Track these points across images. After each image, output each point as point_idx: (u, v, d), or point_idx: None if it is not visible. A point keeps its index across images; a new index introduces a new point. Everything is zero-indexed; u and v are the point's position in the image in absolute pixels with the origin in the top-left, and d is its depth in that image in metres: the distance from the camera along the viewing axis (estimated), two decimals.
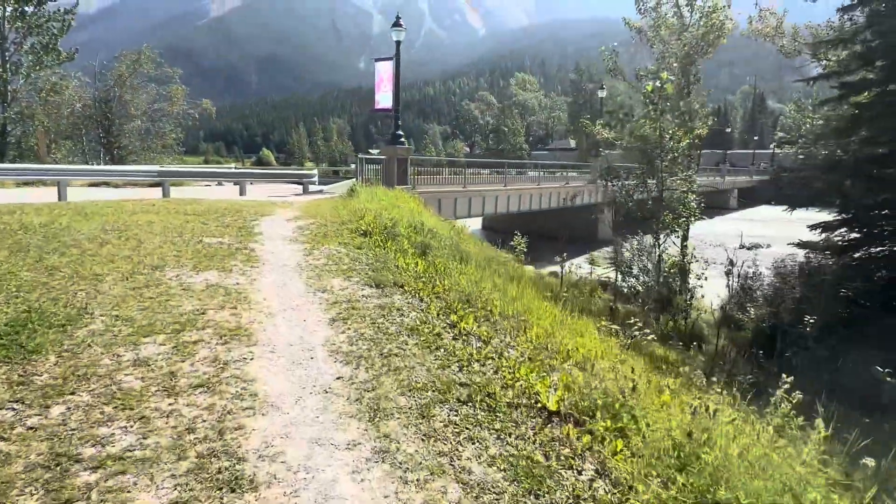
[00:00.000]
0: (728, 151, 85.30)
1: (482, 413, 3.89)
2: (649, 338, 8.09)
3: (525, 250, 19.58)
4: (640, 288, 17.96)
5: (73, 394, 3.62)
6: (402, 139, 20.78)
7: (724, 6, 16.09)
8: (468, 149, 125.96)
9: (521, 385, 4.40)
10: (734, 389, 5.20)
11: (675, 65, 16.33)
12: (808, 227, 13.73)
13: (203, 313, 5.13)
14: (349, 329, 5.13)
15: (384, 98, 21.29)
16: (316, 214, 12.02)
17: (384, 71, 21.28)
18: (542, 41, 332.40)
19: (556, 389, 4.38)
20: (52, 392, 3.61)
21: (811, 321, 8.93)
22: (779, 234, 39.98)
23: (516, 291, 8.80)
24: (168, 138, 36.35)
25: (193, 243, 7.81)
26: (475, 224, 37.55)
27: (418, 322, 5.51)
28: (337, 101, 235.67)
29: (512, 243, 18.62)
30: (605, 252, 35.01)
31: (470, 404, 4.00)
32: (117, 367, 4.00)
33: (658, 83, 12.57)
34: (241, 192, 18.05)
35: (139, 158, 34.57)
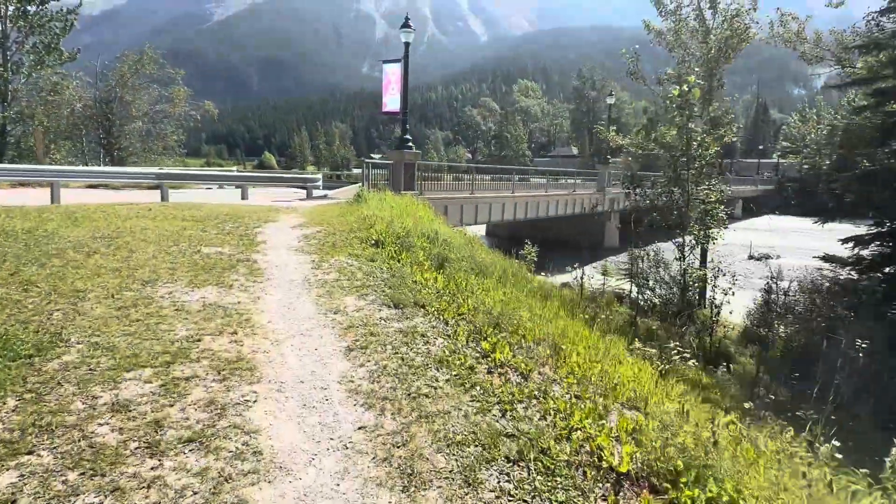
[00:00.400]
0: (732, 161, 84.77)
1: (539, 477, 3.14)
2: (690, 363, 7.35)
3: (535, 260, 18.94)
4: (657, 301, 17.24)
5: (30, 453, 2.87)
6: (410, 143, 20.14)
7: (748, 9, 15.42)
8: (470, 155, 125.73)
9: (578, 436, 3.65)
10: (820, 432, 4.44)
11: (696, 69, 15.63)
12: (840, 240, 13.01)
13: (198, 340, 4.38)
14: (369, 361, 4.38)
15: (392, 101, 20.64)
16: (322, 221, 11.31)
17: (392, 73, 20.63)
18: (543, 49, 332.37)
19: (620, 442, 3.64)
20: (4, 451, 2.86)
21: (863, 345, 8.20)
22: (787, 245, 39.30)
23: (541, 309, 8.08)
24: (169, 140, 35.71)
25: (190, 253, 7.08)
26: (479, 231, 36.88)
27: (447, 351, 4.77)
28: (339, 105, 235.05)
29: (522, 252, 17.96)
30: (616, 261, 34.30)
31: (522, 464, 3.25)
32: (90, 415, 3.25)
33: (685, 87, 11.85)
34: (244, 197, 17.35)
35: (140, 160, 33.96)
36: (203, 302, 5.26)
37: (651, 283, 17.54)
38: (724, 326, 17.61)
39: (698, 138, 11.94)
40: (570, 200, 32.42)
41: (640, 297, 17.87)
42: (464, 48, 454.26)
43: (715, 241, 12.44)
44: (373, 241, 9.11)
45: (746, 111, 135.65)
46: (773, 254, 34.00)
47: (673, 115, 12.38)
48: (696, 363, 7.52)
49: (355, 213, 12.67)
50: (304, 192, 20.00)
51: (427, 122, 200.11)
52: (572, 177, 35.14)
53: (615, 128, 18.88)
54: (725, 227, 12.16)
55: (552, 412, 3.98)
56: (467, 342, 5.10)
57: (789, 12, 18.33)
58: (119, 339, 4.27)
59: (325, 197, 19.26)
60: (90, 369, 3.78)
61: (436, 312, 5.76)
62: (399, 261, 8.04)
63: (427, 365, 4.43)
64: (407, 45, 19.43)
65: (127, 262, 6.35)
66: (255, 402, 3.59)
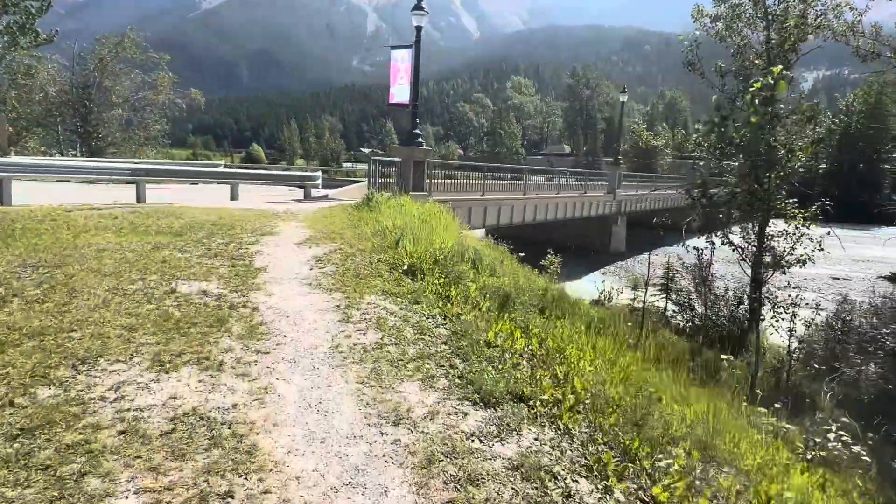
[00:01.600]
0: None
1: None
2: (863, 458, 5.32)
3: (558, 271, 17.02)
4: (700, 322, 15.30)
5: None
6: (420, 139, 18.06)
7: None
8: (462, 151, 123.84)
9: None
10: None
11: (756, 62, 13.64)
12: None
13: None
14: None
15: (400, 91, 18.46)
16: (333, 234, 9.12)
17: (401, 60, 18.39)
18: (535, 46, 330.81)
19: None
20: None
21: None
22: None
23: (638, 367, 6.01)
24: (152, 129, 33.20)
25: (161, 296, 4.87)
26: (478, 233, 34.83)
27: None
28: (329, 99, 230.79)
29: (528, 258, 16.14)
30: (624, 266, 32.42)
31: None
32: None
33: (769, 79, 9.78)
34: (233, 197, 15.06)
35: (119, 150, 31.56)
36: (173, 410, 3.05)
37: (692, 299, 15.65)
38: (768, 350, 15.79)
39: (784, 141, 9.86)
40: (579, 203, 30.66)
41: (682, 317, 15.95)
42: (455, 45, 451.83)
43: (804, 263, 10.42)
44: (405, 268, 6.96)
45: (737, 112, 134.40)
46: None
47: (748, 113, 10.35)
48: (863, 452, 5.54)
49: (370, 222, 10.49)
50: (301, 190, 17.79)
51: (418, 117, 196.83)
52: (583, 178, 33.19)
53: (644, 127, 16.79)
54: (821, 249, 10.12)
55: None
56: (624, 483, 3.00)
57: (847, 1, 16.38)
58: None
59: (325, 198, 17.04)
60: None
61: (546, 412, 3.64)
62: (449, 300, 5.91)
63: None
64: (419, 29, 17.33)
65: (60, 318, 4.12)
66: None
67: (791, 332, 11.06)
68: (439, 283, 6.41)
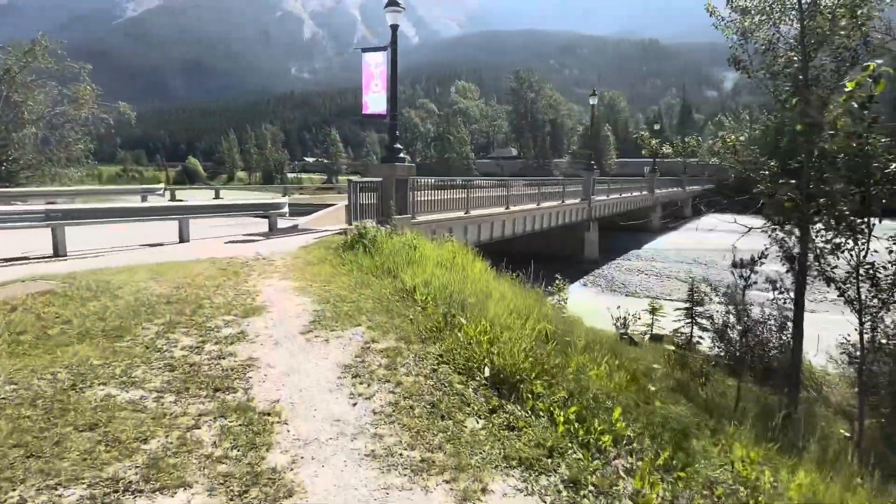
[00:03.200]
0: (664, 160, 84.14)
1: None
2: None
3: (566, 297, 15.00)
4: (737, 351, 13.39)
5: None
6: (403, 154, 15.55)
7: None
8: (409, 157, 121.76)
9: None
10: None
11: (794, 57, 11.83)
12: None
13: None
14: None
15: (375, 101, 15.90)
16: (343, 303, 6.42)
17: (375, 66, 15.87)
18: (474, 51, 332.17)
19: None
20: None
21: None
22: (750, 248, 37.09)
23: None
24: (74, 148, 28.94)
25: None
26: None
27: None
28: (269, 108, 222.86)
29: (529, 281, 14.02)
30: (601, 274, 30.73)
31: None
32: None
33: (867, 77, 7.86)
34: (182, 237, 11.97)
35: (35, 175, 27.30)
36: None
37: (727, 324, 13.75)
38: (822, 382, 14.13)
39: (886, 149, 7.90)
40: (556, 212, 29.10)
41: (717, 346, 13.97)
42: None
43: None
44: (486, 374, 4.44)
45: (668, 112, 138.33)
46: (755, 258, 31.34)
47: (839, 113, 8.41)
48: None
49: (381, 276, 7.84)
50: (261, 219, 14.87)
51: (362, 124, 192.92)
52: (559, 185, 31.46)
53: (650, 135, 14.87)
54: None
55: None
56: None
57: None
58: None
59: (295, 228, 14.17)
60: None
61: None
62: (604, 455, 3.44)
63: None
64: (394, 28, 15.01)
65: None
66: None
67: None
68: (569, 413, 3.91)
